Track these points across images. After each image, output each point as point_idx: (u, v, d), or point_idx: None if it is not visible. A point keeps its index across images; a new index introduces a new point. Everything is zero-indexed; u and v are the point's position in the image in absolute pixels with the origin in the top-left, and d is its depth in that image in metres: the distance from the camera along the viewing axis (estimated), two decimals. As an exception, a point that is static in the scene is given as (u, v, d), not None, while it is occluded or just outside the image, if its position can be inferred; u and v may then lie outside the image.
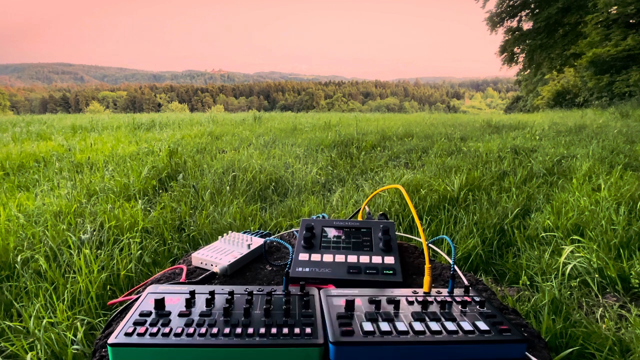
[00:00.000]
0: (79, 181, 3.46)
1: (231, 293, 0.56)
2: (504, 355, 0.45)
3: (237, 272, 0.80)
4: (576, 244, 2.12)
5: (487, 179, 3.50)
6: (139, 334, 0.48)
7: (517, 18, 17.68)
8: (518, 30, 17.80)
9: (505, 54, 18.78)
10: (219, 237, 0.89)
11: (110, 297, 1.73)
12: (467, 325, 0.46)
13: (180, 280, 0.76)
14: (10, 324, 1.50)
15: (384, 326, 0.45)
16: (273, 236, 0.91)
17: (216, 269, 0.77)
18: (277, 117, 12.16)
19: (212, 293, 0.56)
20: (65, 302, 1.60)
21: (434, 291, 0.56)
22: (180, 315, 0.52)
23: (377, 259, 0.69)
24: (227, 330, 0.44)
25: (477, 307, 0.51)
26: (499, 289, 1.91)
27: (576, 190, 3.02)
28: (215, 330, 0.47)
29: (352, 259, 0.69)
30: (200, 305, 0.55)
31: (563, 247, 2.10)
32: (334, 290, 0.56)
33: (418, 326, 0.45)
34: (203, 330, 0.48)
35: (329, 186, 3.72)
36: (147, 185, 3.35)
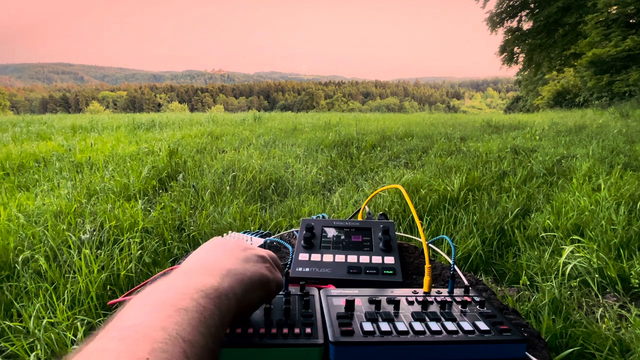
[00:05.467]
0: (79, 181, 3.46)
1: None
2: (504, 355, 0.45)
3: (237, 272, 0.79)
4: (576, 244, 2.12)
5: (487, 179, 3.50)
6: (139, 334, 0.48)
7: (517, 18, 17.68)
8: (518, 30, 17.79)
9: (505, 53, 18.78)
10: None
11: (110, 297, 1.73)
12: (467, 325, 0.46)
13: (180, 280, 0.76)
14: (10, 324, 1.50)
15: (384, 326, 0.45)
16: (273, 236, 0.91)
17: (216, 269, 0.77)
18: (277, 117, 12.16)
19: (212, 293, 0.56)
20: (65, 302, 1.60)
21: (434, 291, 0.56)
22: (180, 315, 0.52)
23: (377, 259, 0.69)
24: (226, 330, 0.44)
25: (477, 307, 0.51)
26: (499, 289, 1.91)
27: (576, 190, 3.02)
28: (215, 330, 0.47)
29: (352, 259, 0.69)
30: (200, 305, 0.54)
31: (563, 247, 2.10)
32: (334, 290, 0.56)
33: (418, 326, 0.45)
34: (203, 330, 0.47)
35: (329, 186, 3.72)
36: (147, 185, 3.35)
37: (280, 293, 0.53)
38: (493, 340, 0.45)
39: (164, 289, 0.32)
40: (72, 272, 1.85)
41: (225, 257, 0.41)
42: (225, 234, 0.88)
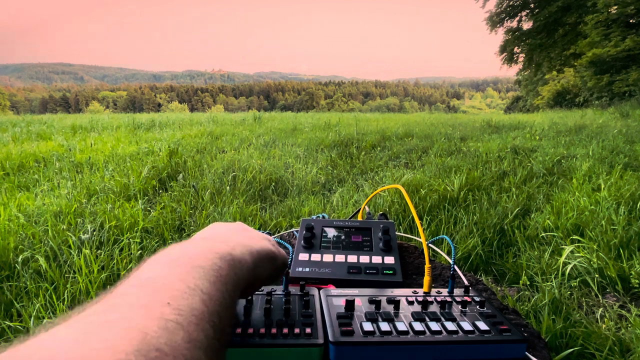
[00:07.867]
0: (79, 181, 3.46)
1: (231, 293, 0.56)
2: (504, 355, 0.45)
3: (237, 272, 0.79)
4: (576, 244, 2.12)
5: (487, 179, 3.50)
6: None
7: (517, 18, 17.67)
8: (518, 30, 17.78)
9: (505, 53, 18.77)
10: (219, 237, 0.88)
11: (110, 297, 1.73)
12: (467, 325, 0.46)
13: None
14: (10, 324, 1.50)
15: (384, 326, 0.45)
16: (273, 236, 0.91)
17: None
18: (277, 117, 12.15)
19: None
20: (65, 302, 1.60)
21: (434, 291, 0.56)
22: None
23: (377, 259, 0.69)
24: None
25: (477, 307, 0.51)
26: (499, 289, 1.91)
27: (576, 190, 3.02)
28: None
29: (352, 259, 0.69)
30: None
31: (563, 247, 2.10)
32: (334, 290, 0.56)
33: (418, 326, 0.45)
34: (203, 330, 0.47)
35: (329, 186, 3.72)
36: (147, 185, 3.35)
37: (281, 293, 0.53)
38: (493, 340, 0.45)
39: (179, 249, 0.32)
40: (72, 272, 1.85)
41: (231, 233, 0.43)
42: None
